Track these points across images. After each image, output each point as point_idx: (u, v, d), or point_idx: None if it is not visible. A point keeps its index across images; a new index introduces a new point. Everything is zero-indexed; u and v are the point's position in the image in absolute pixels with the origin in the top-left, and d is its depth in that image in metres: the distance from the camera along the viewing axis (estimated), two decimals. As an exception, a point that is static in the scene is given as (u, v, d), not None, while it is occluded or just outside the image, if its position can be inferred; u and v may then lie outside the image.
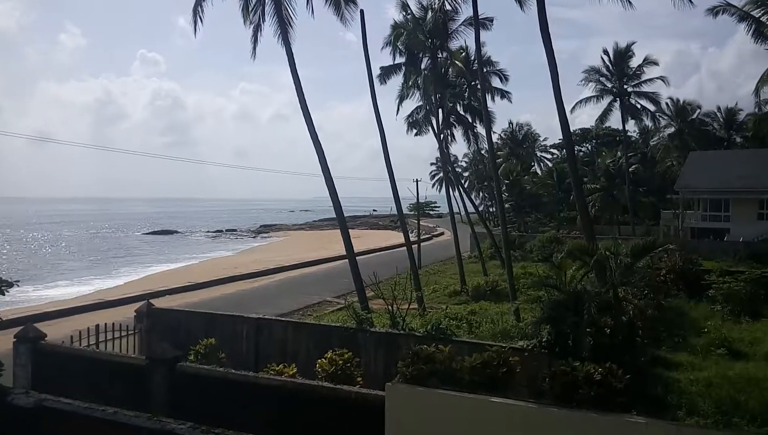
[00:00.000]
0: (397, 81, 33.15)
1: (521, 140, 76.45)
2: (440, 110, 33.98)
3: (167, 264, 49.63)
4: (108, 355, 11.94)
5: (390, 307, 13.85)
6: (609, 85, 53.20)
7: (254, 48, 21.45)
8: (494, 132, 51.13)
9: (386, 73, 32.16)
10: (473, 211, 43.87)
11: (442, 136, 34.39)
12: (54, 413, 7.82)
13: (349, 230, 21.86)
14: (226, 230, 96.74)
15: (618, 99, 52.80)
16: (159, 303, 16.70)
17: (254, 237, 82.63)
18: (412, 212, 54.92)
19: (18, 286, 9.09)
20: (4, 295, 8.37)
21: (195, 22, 21.35)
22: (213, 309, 16.70)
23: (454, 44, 32.42)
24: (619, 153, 57.73)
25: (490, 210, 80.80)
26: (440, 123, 34.04)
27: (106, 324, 13.48)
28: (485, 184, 74.86)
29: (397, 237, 62.40)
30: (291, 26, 20.38)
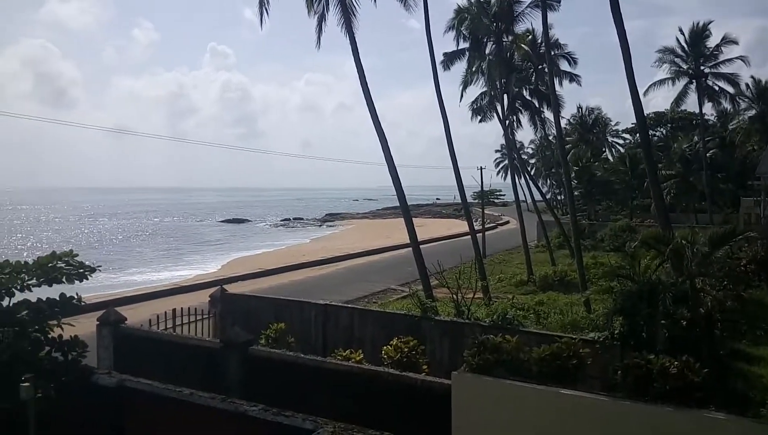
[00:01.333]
0: (460, 67, 32.76)
1: (591, 125, 73.84)
2: (505, 95, 33.32)
3: (239, 251, 51.28)
4: (184, 338, 12.47)
5: (455, 296, 13.77)
6: (684, 66, 50.48)
7: (318, 38, 21.72)
8: (562, 117, 49.62)
9: (449, 58, 31.81)
10: (540, 199, 42.92)
11: (507, 122, 33.74)
12: (134, 393, 8.26)
13: (413, 219, 21.86)
14: (293, 219, 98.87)
15: (694, 81, 50.05)
16: (231, 288, 17.28)
17: (320, 225, 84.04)
18: (476, 200, 54.25)
19: (100, 271, 9.60)
20: (87, 279, 8.85)
21: (261, 14, 21.83)
22: (282, 295, 17.15)
23: (520, 27, 31.71)
24: (695, 137, 54.83)
25: (558, 198, 78.75)
26: (505, 109, 33.39)
27: (182, 308, 14.09)
28: (553, 171, 72.97)
29: (461, 225, 61.88)
30: (354, 14, 20.50)
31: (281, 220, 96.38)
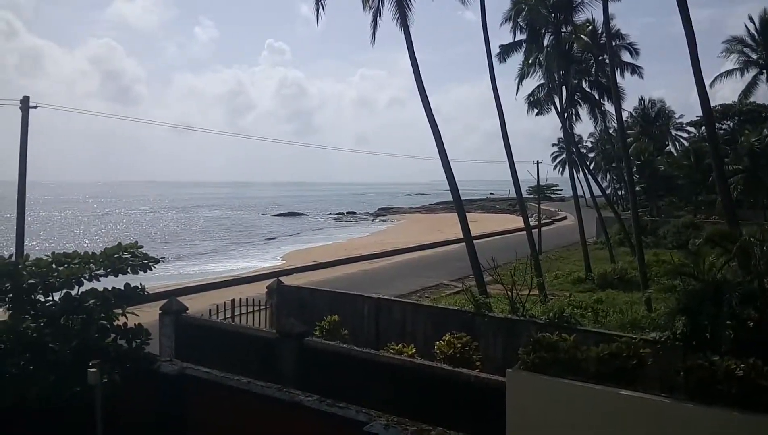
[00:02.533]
0: (516, 59, 32.14)
1: (654, 118, 71.13)
2: (564, 88, 32.49)
3: (293, 244, 52.22)
4: (242, 328, 12.80)
5: (509, 293, 13.59)
6: (754, 56, 47.81)
7: (373, 33, 21.74)
8: (624, 109, 47.89)
9: (506, 51, 31.24)
10: (599, 194, 41.75)
11: (565, 115, 32.91)
12: (194, 380, 8.55)
13: (466, 214, 21.66)
14: (347, 213, 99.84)
15: (765, 71, 47.44)
16: (286, 280, 17.62)
17: (372, 220, 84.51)
18: (532, 195, 53.30)
19: (163, 262, 9.97)
20: (151, 270, 9.20)
21: (317, 10, 21.99)
22: (336, 287, 17.36)
23: (580, 17, 30.82)
24: (765, 131, 51.96)
25: (619, 193, 76.40)
26: (564, 101, 32.56)
27: (240, 299, 14.46)
28: (613, 165, 70.81)
29: (516, 221, 60.93)
30: (409, 8, 20.40)
31: (335, 215, 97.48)
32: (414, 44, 20.26)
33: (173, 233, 66.74)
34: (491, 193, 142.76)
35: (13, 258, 9.15)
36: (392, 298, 15.62)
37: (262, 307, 15.13)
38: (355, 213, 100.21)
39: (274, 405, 7.61)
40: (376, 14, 21.23)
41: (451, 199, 21.12)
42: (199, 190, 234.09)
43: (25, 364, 7.64)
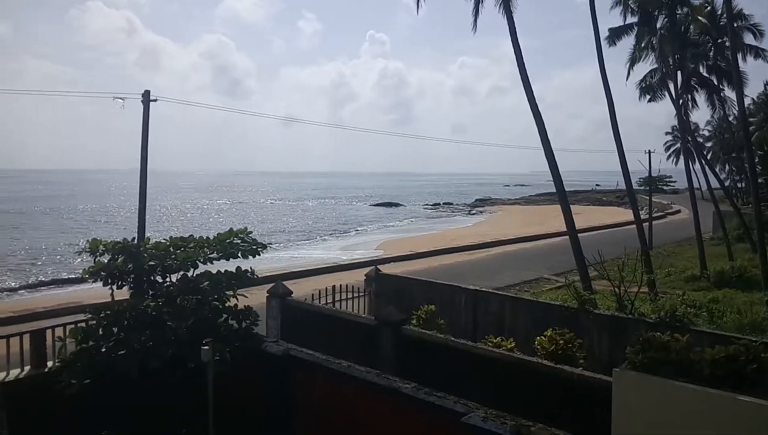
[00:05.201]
0: (626, 43, 30.40)
1: (780, 105, 64.86)
2: (679, 73, 30.35)
3: (390, 233, 52.86)
4: (342, 313, 13.13)
5: (616, 289, 12.97)
6: None
7: (475, 20, 21.40)
8: (746, 95, 44.07)
9: (615, 34, 29.61)
10: (717, 186, 38.79)
11: (680, 101, 30.75)
12: (298, 362, 8.88)
13: (570, 206, 20.89)
14: (443, 204, 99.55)
15: None
16: (384, 269, 17.84)
17: (469, 211, 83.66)
18: (643, 187, 50.45)
19: (270, 248, 10.42)
20: (260, 254, 9.65)
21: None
22: (432, 277, 17.35)
23: (697, -2, 28.62)
24: None
25: (738, 186, 70.66)
26: (679, 87, 30.43)
27: (340, 285, 14.84)
28: (733, 155, 65.38)
29: (624, 214, 58.05)
30: (513, -6, 19.87)
31: (432, 205, 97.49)
32: (517, 30, 19.73)
33: (277, 220, 69.64)
34: (597, 185, 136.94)
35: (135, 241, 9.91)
36: (490, 290, 15.38)
37: (361, 294, 15.44)
38: (451, 204, 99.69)
39: (372, 389, 7.75)
40: (479, 1, 20.88)
41: (553, 190, 20.46)
42: (302, 181, 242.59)
43: (146, 339, 8.25)
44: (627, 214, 48.73)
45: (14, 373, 8.91)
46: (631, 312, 12.05)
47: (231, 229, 9.62)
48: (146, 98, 17.94)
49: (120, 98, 18.25)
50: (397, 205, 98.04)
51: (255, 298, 10.40)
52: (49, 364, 9.12)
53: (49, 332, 9.31)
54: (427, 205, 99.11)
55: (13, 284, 28.80)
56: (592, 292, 15.28)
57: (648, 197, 43.30)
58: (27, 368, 9.07)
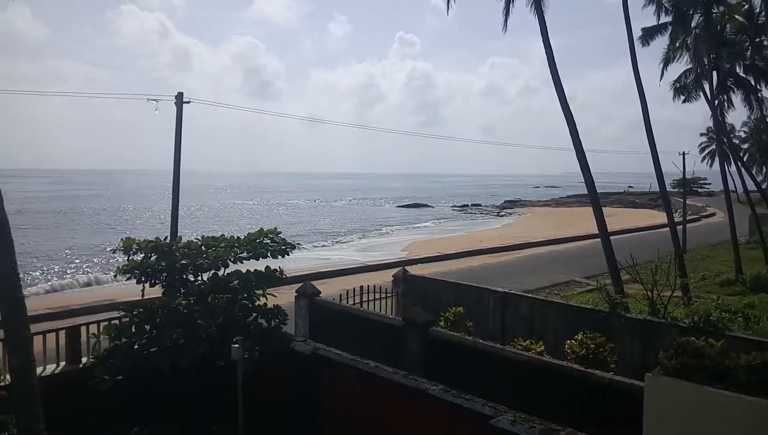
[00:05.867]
0: (660, 43, 29.83)
1: (822, 105, 62.80)
2: (714, 73, 29.62)
3: (417, 235, 52.77)
4: (369, 313, 13.15)
5: (649, 293, 12.72)
6: None
7: (505, 20, 21.23)
8: (785, 96, 42.79)
9: (649, 34, 29.07)
10: (753, 189, 37.76)
11: (716, 102, 30.03)
12: (325, 361, 8.93)
13: (602, 207, 20.57)
14: (471, 205, 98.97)
15: None
16: (412, 270, 17.82)
17: (498, 212, 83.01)
18: (677, 189, 49.40)
19: (299, 248, 10.50)
20: (289, 254, 9.73)
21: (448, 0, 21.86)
22: (459, 279, 17.26)
23: (734, -4, 27.90)
24: None
25: (777, 188, 68.60)
26: (714, 87, 29.71)
27: (367, 286, 14.87)
28: (771, 157, 63.64)
29: (657, 216, 57.01)
30: (545, -7, 19.66)
31: (459, 206, 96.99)
32: (549, 29, 19.52)
33: (306, 221, 70.12)
34: (630, 187, 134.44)
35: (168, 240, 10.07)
36: (519, 293, 15.23)
37: (388, 295, 15.45)
38: (480, 205, 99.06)
39: (399, 390, 7.74)
40: (509, 1, 20.71)
41: (584, 192, 20.16)
42: (330, 182, 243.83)
43: (177, 337, 8.39)
44: (660, 217, 47.81)
45: (50, 368, 9.16)
46: (664, 316, 11.80)
47: (261, 229, 9.72)
48: (179, 100, 18.23)
49: (154, 100, 18.58)
50: (424, 206, 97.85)
51: (284, 297, 10.50)
52: (84, 360, 9.35)
53: (83, 329, 9.56)
54: (455, 206, 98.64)
55: (55, 280, 29.60)
56: (624, 296, 15.01)
57: (682, 199, 42.43)
58: (62, 364, 9.32)
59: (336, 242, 48.80)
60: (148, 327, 8.63)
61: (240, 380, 8.09)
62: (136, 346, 8.46)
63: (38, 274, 32.09)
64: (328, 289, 17.17)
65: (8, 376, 7.28)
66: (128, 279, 9.37)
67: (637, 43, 25.25)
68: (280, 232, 9.73)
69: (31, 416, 6.29)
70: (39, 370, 8.72)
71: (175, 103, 18.29)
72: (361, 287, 14.63)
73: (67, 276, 31.25)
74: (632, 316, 11.95)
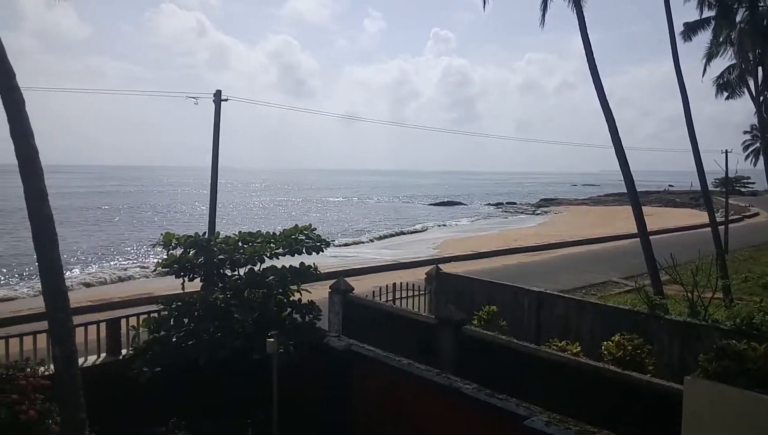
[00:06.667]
0: (702, 38, 28.99)
1: None
2: (760, 68, 28.65)
3: (451, 233, 52.52)
4: (403, 310, 13.17)
5: (689, 295, 12.40)
6: None
7: (543, 15, 20.93)
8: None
9: (691, 29, 28.29)
10: (801, 188, 36.46)
11: (761, 98, 29.04)
12: (359, 357, 8.98)
13: (641, 206, 20.12)
14: (506, 203, 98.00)
15: None
16: (445, 268, 17.75)
17: (534, 211, 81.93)
18: (719, 188, 48.01)
19: (333, 245, 10.59)
20: (323, 251, 9.82)
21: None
22: (493, 278, 17.12)
23: (783, -12, 26.90)
24: None
25: (826, 187, 66.06)
26: (759, 83, 28.73)
27: (400, 283, 14.88)
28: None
29: (698, 216, 55.54)
30: (584, -13, 19.30)
31: (494, 204, 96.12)
32: (587, 24, 19.17)
33: (341, 218, 70.52)
34: (670, 185, 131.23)
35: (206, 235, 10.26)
36: (555, 292, 15.03)
37: (421, 293, 15.43)
38: (515, 203, 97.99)
39: (432, 389, 7.73)
40: (547, -4, 20.42)
41: (622, 190, 19.78)
42: (364, 179, 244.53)
43: (214, 330, 8.56)
44: (702, 217, 46.50)
45: (91, 359, 9.45)
46: (705, 318, 11.50)
47: (296, 225, 9.83)
48: (218, 98, 18.55)
49: (192, 97, 18.95)
50: (458, 204, 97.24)
51: (317, 293, 10.58)
52: (123, 351, 9.61)
53: (123, 321, 9.82)
54: (489, 204, 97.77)
55: (96, 273, 30.46)
56: (663, 297, 14.68)
57: (725, 199, 41.22)
58: (103, 355, 9.60)
59: (369, 240, 48.95)
60: (185, 320, 8.82)
61: (275, 374, 8.20)
62: (174, 339, 8.66)
63: (78, 268, 33.05)
64: (361, 286, 17.23)
65: (52, 366, 7.55)
66: (167, 273, 9.58)
67: (678, 39, 24.61)
68: (315, 229, 9.82)
69: (73, 405, 6.50)
70: (81, 360, 9.03)
71: (213, 100, 18.62)
72: (394, 284, 14.65)
73: (107, 269, 32.11)
74: (671, 318, 11.68)
